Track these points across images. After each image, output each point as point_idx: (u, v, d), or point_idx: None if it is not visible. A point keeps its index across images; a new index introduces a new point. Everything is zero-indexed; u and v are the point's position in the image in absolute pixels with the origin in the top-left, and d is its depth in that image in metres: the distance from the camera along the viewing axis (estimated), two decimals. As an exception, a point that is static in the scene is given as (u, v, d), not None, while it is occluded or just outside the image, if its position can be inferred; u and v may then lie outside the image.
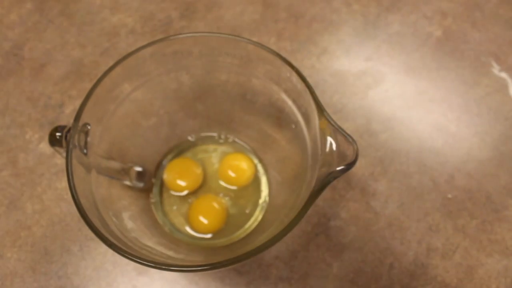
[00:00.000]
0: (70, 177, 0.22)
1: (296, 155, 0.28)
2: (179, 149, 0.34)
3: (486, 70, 0.39)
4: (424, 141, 0.35)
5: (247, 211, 0.32)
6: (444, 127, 0.36)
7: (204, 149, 0.34)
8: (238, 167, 0.32)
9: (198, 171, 0.32)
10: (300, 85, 0.24)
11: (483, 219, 0.33)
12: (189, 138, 0.34)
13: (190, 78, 0.30)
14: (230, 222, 0.31)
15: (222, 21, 0.41)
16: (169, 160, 0.33)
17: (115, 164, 0.28)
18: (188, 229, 0.31)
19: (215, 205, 0.31)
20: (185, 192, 0.32)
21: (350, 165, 0.21)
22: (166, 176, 0.32)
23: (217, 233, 0.31)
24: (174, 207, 0.32)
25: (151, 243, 0.25)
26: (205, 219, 0.30)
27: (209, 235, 0.31)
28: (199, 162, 0.33)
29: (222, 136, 0.34)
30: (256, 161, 0.33)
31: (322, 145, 0.22)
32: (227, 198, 0.32)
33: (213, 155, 0.34)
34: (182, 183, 0.32)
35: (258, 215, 0.31)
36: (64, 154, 0.23)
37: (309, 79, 0.24)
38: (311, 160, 0.25)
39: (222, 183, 0.32)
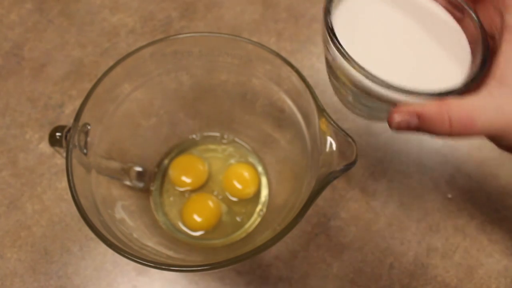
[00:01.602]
0: (70, 177, 0.22)
1: (296, 155, 0.28)
2: (179, 149, 0.34)
3: (486, 70, 0.39)
4: (424, 141, 0.35)
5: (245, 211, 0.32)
6: (444, 127, 0.36)
7: (206, 149, 0.34)
8: (244, 182, 0.32)
9: (204, 169, 0.33)
10: (300, 85, 0.24)
11: (483, 219, 0.33)
12: (194, 136, 0.34)
13: (190, 78, 0.30)
14: (229, 221, 0.31)
15: (222, 21, 0.41)
16: (170, 160, 0.33)
17: (115, 164, 0.28)
18: (180, 224, 0.31)
19: (209, 203, 0.31)
20: (187, 188, 0.32)
21: (350, 165, 0.21)
22: (172, 170, 0.32)
23: (214, 233, 0.31)
24: (173, 206, 0.32)
25: (151, 243, 0.25)
26: (198, 217, 0.30)
27: (200, 232, 0.31)
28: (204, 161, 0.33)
29: (225, 136, 0.34)
30: (256, 161, 0.33)
31: (322, 145, 0.22)
32: (221, 196, 0.32)
33: (215, 155, 0.34)
34: (187, 179, 0.32)
35: (256, 217, 0.31)
36: (64, 154, 0.23)
37: (309, 79, 0.24)
38: (311, 160, 0.25)
39: (227, 194, 0.32)
